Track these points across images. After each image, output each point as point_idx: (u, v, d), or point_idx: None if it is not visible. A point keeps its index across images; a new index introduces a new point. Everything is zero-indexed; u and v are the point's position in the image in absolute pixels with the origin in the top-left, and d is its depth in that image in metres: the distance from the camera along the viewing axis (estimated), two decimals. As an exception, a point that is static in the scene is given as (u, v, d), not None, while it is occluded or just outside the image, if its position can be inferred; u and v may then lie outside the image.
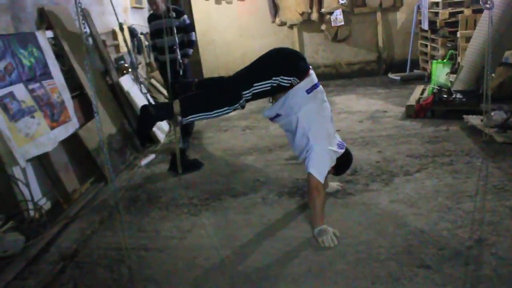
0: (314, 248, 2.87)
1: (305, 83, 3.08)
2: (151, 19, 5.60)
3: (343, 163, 3.37)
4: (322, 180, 3.06)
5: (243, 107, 3.08)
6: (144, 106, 3.10)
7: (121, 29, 5.60)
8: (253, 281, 2.61)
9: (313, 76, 3.16)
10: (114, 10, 5.10)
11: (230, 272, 2.73)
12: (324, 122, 3.16)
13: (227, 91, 3.03)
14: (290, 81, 3.02)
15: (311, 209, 3.11)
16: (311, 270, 2.64)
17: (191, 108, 3.01)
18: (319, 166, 3.07)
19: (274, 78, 2.98)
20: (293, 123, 3.17)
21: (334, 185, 3.66)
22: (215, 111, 3.00)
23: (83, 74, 4.75)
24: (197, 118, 3.03)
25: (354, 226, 3.09)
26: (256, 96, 3.05)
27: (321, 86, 3.23)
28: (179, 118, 3.13)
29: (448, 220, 3.02)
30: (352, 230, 3.04)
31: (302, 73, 3.07)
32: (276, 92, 3.11)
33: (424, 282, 2.42)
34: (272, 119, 3.29)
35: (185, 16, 5.41)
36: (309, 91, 3.08)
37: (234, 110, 3.05)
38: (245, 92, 2.99)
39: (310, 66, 3.20)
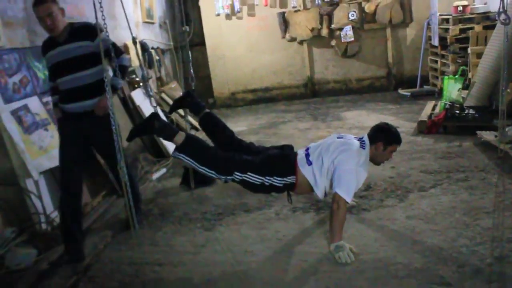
0: (331, 264, 2.83)
1: (301, 165, 3.13)
2: (46, 48, 3.37)
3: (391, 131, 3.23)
4: (348, 200, 2.95)
5: (226, 182, 3.14)
6: (155, 115, 3.14)
7: (135, 42, 5.53)
8: (270, 298, 2.57)
9: (300, 154, 3.21)
10: (128, 24, 5.05)
11: (246, 288, 2.70)
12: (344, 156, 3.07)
13: (226, 161, 3.08)
14: (283, 182, 3.10)
15: (330, 225, 3.02)
16: (330, 287, 2.60)
17: (189, 150, 3.06)
18: (346, 186, 2.96)
19: (267, 178, 3.06)
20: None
21: (348, 200, 3.62)
22: (204, 168, 3.05)
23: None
24: (186, 160, 3.07)
25: (371, 242, 3.05)
26: (244, 183, 3.10)
27: (311, 145, 3.28)
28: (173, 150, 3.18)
29: (466, 237, 2.97)
30: (369, 246, 2.99)
31: (292, 168, 3.12)
32: (269, 191, 3.20)
33: (445, 300, 2.38)
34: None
35: (105, 35, 3.12)
36: (309, 162, 3.12)
37: (218, 178, 3.11)
38: (238, 173, 3.05)
39: (296, 151, 3.29)
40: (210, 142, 3.49)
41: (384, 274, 2.66)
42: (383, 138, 3.17)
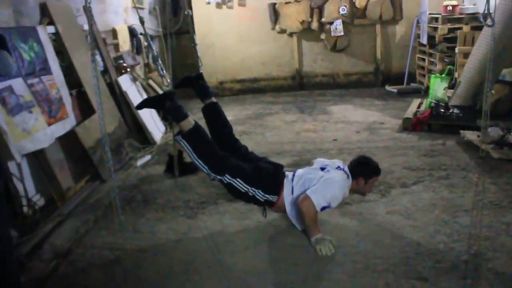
0: (311, 256, 2.86)
1: (285, 189, 3.13)
2: None
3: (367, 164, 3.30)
4: (318, 208, 2.96)
5: (213, 180, 3.16)
6: (171, 93, 3.13)
7: (142, 22, 5.15)
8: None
9: (287, 177, 3.20)
10: (138, 12, 4.73)
11: (227, 278, 2.71)
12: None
13: (222, 161, 3.07)
14: (265, 198, 3.11)
15: (303, 223, 3.06)
16: (309, 278, 2.64)
17: (193, 139, 3.05)
18: (321, 194, 2.98)
19: (252, 189, 3.08)
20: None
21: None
22: (199, 160, 3.05)
23: (82, 71, 4.72)
24: (185, 148, 3.07)
25: (351, 236, 3.09)
26: (230, 186, 3.09)
27: (298, 171, 3.26)
28: (176, 132, 3.18)
29: (444, 234, 3.03)
30: (349, 240, 3.03)
31: (278, 188, 3.14)
32: (249, 201, 3.19)
33: (421, 295, 2.43)
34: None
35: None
36: (292, 190, 3.13)
37: (208, 174, 3.11)
38: (228, 177, 3.05)
39: (285, 171, 3.27)
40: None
41: (362, 268, 2.70)
42: (363, 173, 3.20)
